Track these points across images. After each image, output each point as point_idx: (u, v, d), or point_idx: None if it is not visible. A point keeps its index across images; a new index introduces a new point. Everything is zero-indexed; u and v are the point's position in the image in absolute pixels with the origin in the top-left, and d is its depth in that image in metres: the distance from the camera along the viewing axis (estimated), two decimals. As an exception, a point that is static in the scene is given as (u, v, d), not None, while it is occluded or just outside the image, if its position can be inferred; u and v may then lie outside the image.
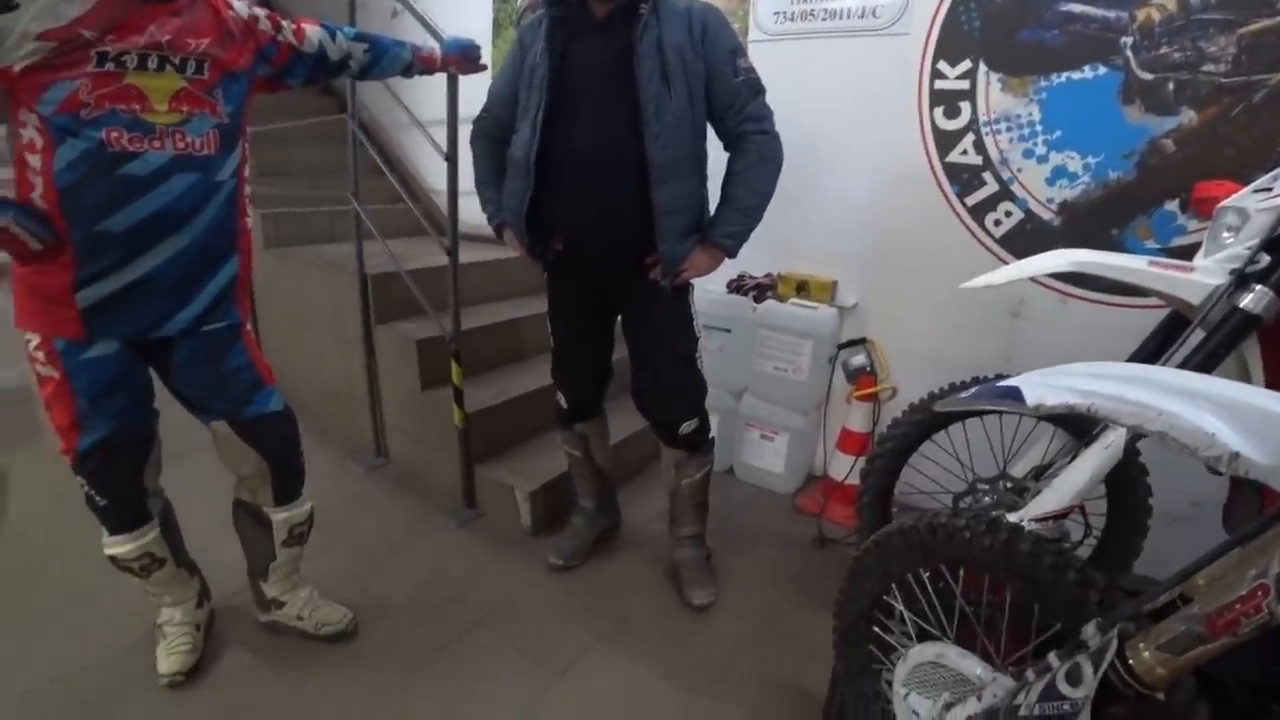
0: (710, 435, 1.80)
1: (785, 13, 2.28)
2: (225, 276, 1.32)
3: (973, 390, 1.21)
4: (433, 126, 2.05)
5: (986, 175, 1.93)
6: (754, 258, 2.37)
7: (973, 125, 1.93)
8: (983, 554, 0.94)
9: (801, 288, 2.28)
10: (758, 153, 1.51)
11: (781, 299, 2.31)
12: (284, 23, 1.37)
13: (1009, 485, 1.37)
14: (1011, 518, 1.17)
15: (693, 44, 1.44)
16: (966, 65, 1.91)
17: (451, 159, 1.89)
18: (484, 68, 1.76)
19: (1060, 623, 0.87)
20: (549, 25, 1.49)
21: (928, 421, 1.47)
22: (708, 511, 1.89)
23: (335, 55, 1.47)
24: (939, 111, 1.98)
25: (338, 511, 2.20)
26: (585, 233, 1.57)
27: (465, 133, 1.84)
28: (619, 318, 1.75)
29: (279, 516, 1.50)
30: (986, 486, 1.40)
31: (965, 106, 1.93)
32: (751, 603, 1.82)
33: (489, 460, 2.23)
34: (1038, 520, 1.21)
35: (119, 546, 1.38)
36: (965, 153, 1.96)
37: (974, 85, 1.90)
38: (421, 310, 2.18)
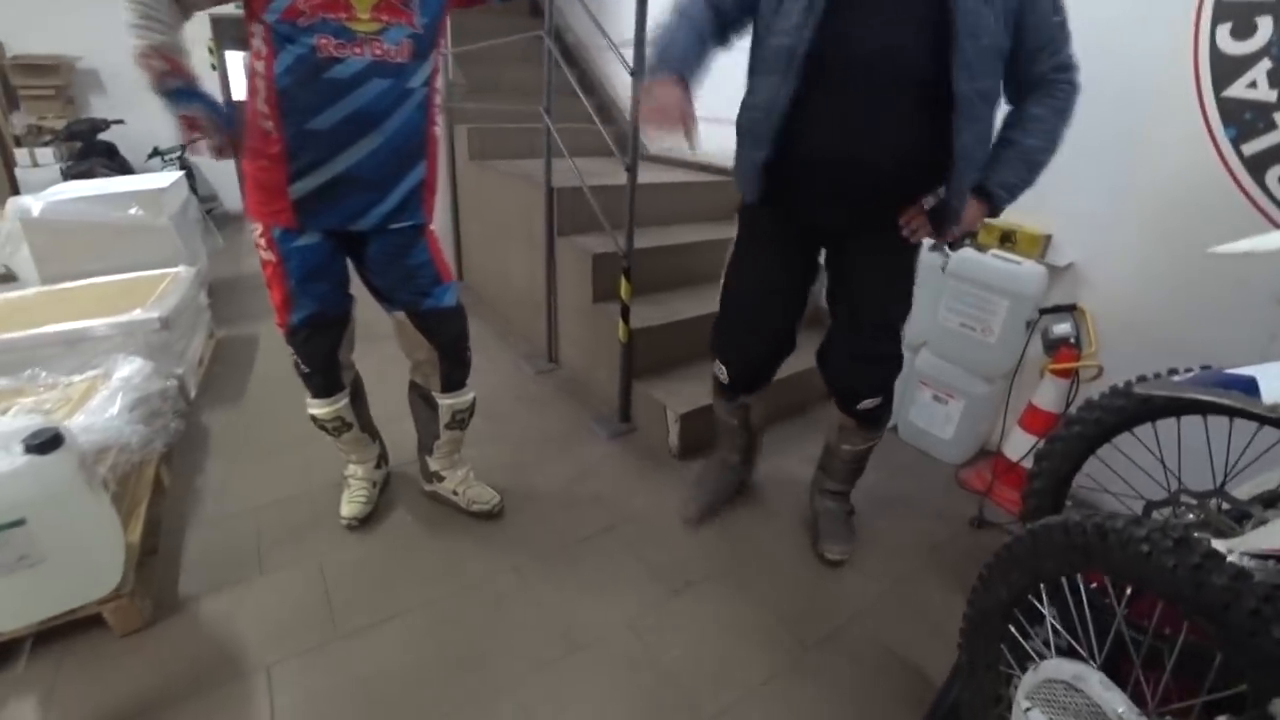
0: (889, 413, 1.65)
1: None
2: (414, 179, 1.45)
3: (1190, 375, 1.00)
4: (626, 47, 2.03)
5: (1280, 117, 1.51)
6: (956, 200, 2.11)
7: (1273, 48, 1.49)
8: (1162, 576, 0.79)
9: (1007, 238, 1.99)
10: (1065, 101, 1.28)
11: (981, 249, 2.04)
12: None
13: (1224, 507, 1.12)
14: (1219, 545, 0.97)
15: None
16: (1277, -33, 1.47)
17: (636, 74, 1.87)
18: (674, -21, 1.69)
19: (1248, 685, 0.72)
20: None
21: (1130, 410, 1.23)
22: (861, 475, 1.80)
23: None
24: (1224, 30, 1.55)
25: (506, 406, 2.45)
26: (836, 158, 1.32)
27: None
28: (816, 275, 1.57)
29: (444, 401, 1.70)
30: (1194, 501, 1.16)
31: (1265, 23, 1.49)
32: (887, 569, 1.74)
33: (648, 378, 2.30)
34: (1257, 556, 0.98)
35: (317, 409, 1.65)
36: (1254, 85, 1.52)
37: (1286, -7, 1.46)
38: (602, 226, 2.24)
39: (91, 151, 4.82)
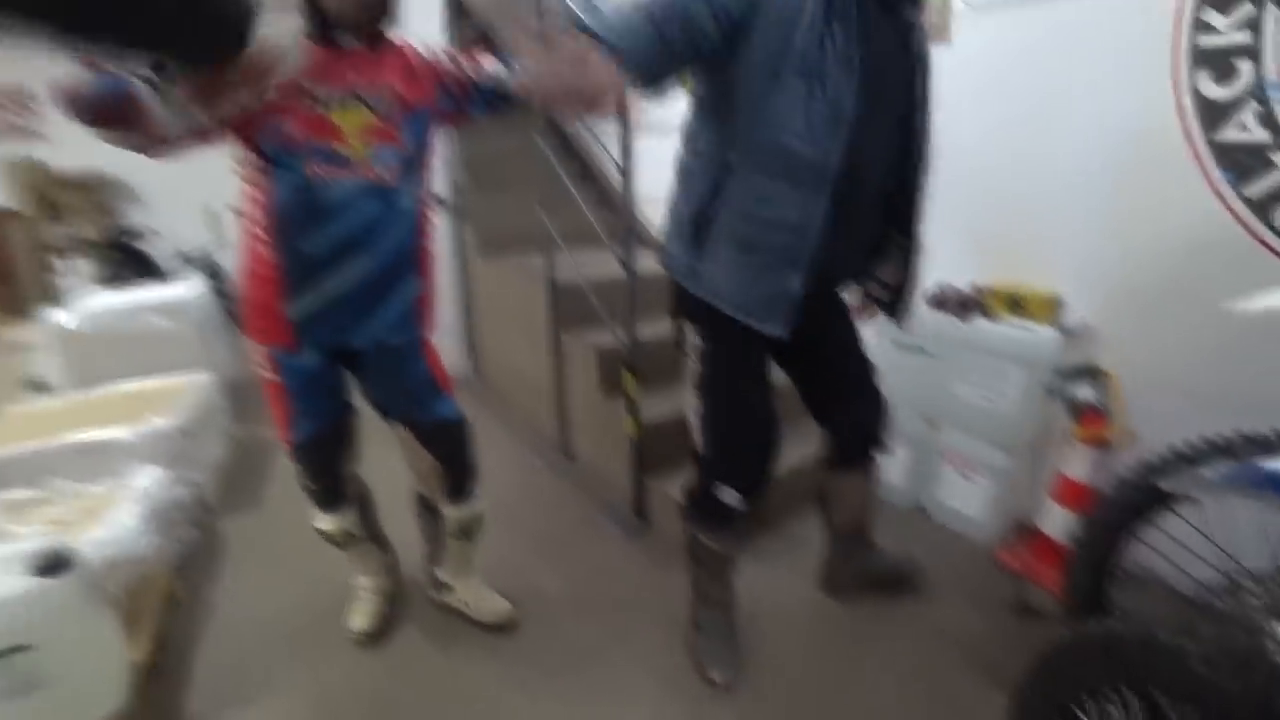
0: None
1: (997, -21, 1.92)
2: (408, 297, 1.45)
3: (1229, 470, 0.93)
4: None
5: (1278, 156, 1.47)
6: (956, 263, 2.08)
7: (1256, 90, 1.47)
8: (1223, 702, 0.70)
9: (1016, 304, 1.94)
10: None
11: (992, 318, 1.99)
12: (464, 60, 1.46)
13: (1285, 586, 1.02)
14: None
15: None
16: (1248, 10, 1.47)
17: (626, 172, 1.90)
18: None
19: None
20: None
21: (1165, 489, 1.15)
22: None
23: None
24: (1204, 76, 1.54)
25: (517, 502, 2.38)
26: (850, 272, 1.50)
27: (639, 144, 1.86)
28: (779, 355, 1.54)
29: (450, 513, 1.66)
30: (1253, 584, 1.05)
31: (1245, 66, 1.48)
32: (921, 664, 1.61)
33: (662, 473, 2.21)
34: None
35: (323, 523, 1.63)
36: (1244, 128, 1.50)
37: (1259, 34, 1.46)
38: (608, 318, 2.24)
39: (126, 260, 5.05)
